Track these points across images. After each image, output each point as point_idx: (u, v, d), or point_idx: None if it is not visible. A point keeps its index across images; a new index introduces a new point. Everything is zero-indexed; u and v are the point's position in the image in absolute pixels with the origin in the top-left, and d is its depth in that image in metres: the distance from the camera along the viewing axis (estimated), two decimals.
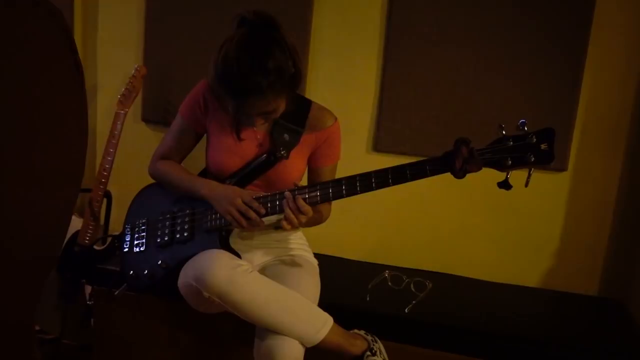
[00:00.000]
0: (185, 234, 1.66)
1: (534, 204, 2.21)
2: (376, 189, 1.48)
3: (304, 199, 1.52)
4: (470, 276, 2.24)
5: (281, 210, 1.56)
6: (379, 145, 2.29)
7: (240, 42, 1.44)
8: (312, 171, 1.73)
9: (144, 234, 1.73)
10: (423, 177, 1.45)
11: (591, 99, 2.14)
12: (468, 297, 2.07)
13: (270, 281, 1.53)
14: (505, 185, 1.40)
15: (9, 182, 0.59)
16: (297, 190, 1.54)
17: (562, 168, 2.16)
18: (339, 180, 1.53)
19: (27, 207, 0.65)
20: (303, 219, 1.52)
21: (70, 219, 0.79)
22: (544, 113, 2.13)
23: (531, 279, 2.27)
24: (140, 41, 2.48)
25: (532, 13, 2.11)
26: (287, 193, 1.53)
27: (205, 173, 1.81)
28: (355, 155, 2.30)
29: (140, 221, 1.75)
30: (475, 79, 2.17)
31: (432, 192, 2.27)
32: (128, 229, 1.77)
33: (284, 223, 1.53)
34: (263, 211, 1.56)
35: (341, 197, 1.52)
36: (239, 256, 1.61)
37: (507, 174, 1.42)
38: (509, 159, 1.39)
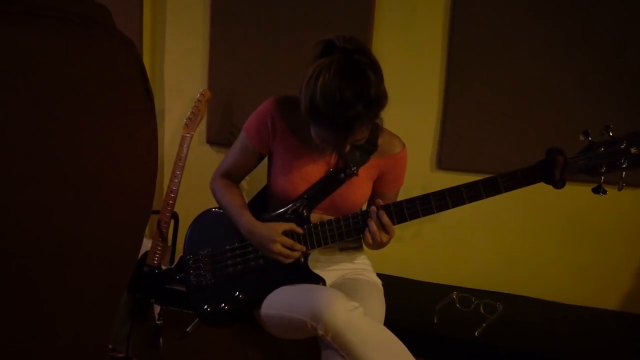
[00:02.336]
0: (261, 261, 1.65)
1: (613, 221, 2.10)
2: (469, 202, 1.50)
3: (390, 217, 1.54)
4: (545, 298, 2.14)
5: (349, 235, 1.58)
6: (443, 162, 2.25)
7: (339, 70, 1.39)
8: (376, 195, 1.71)
9: (211, 265, 1.70)
10: (516, 188, 1.48)
11: None
12: (542, 320, 1.97)
13: (382, 327, 1.50)
14: (600, 190, 1.44)
15: (85, 211, 0.61)
16: (380, 206, 1.56)
17: None
18: (426, 196, 1.53)
19: (103, 233, 0.67)
20: (385, 238, 1.54)
21: (141, 241, 0.81)
22: (619, 123, 2.02)
23: (610, 301, 2.14)
24: (205, 66, 2.54)
25: (602, 19, 2.02)
26: (372, 208, 1.55)
27: (261, 195, 1.82)
28: (418, 173, 2.26)
29: (203, 252, 1.72)
30: (542, 93, 2.11)
31: (503, 209, 2.20)
32: (191, 261, 1.73)
33: (368, 236, 1.55)
34: (304, 249, 1.59)
35: (430, 212, 1.53)
36: (324, 282, 1.62)
37: (601, 180, 1.45)
38: (603, 165, 1.43)
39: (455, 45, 2.18)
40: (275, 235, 1.57)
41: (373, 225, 1.53)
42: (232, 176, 1.75)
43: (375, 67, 1.43)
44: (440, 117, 2.25)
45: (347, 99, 1.37)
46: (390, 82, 2.34)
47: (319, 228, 1.60)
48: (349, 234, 1.58)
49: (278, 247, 1.57)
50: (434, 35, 2.23)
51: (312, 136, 1.52)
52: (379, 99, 1.42)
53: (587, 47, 2.05)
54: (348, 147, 1.54)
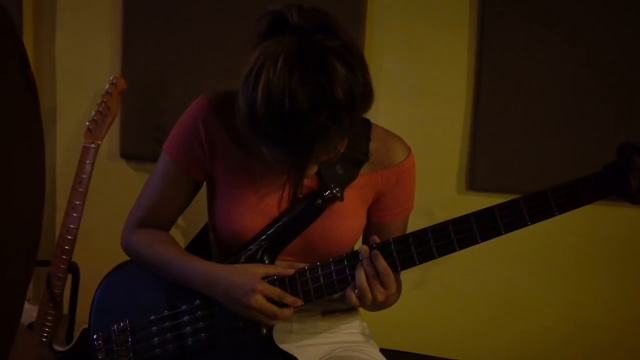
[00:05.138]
0: (203, 337, 1.62)
1: None
2: (506, 231, 1.48)
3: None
4: None
5: (331, 292, 1.56)
6: (476, 181, 2.29)
7: (289, 64, 1.35)
8: (374, 227, 1.71)
9: (129, 346, 1.66)
10: (576, 207, 1.46)
11: None
12: None
13: None
14: None
15: None
16: (375, 246, 1.52)
17: None
18: (442, 226, 1.50)
19: None
20: (380, 295, 1.50)
21: (22, 307, 0.80)
22: None
23: None
24: (117, 45, 2.55)
25: None
26: (363, 247, 1.52)
27: (201, 239, 1.81)
28: (441, 196, 2.30)
29: (118, 327, 1.68)
30: (596, 90, 2.24)
31: (565, 257, 2.24)
32: (99, 340, 1.68)
33: (352, 295, 1.51)
34: (300, 304, 1.55)
35: (450, 250, 1.51)
36: None
37: None
38: None
39: (488, 27, 2.26)
40: (255, 282, 1.54)
41: (362, 275, 1.50)
42: (155, 222, 1.72)
43: (348, 53, 1.39)
44: (470, 119, 2.30)
45: (302, 106, 1.33)
46: (399, 73, 2.38)
47: (298, 278, 1.57)
48: (330, 288, 1.56)
49: (258, 301, 1.52)
50: (459, 11, 2.30)
51: (264, 152, 1.50)
52: (352, 102, 1.38)
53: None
54: (314, 169, 1.53)
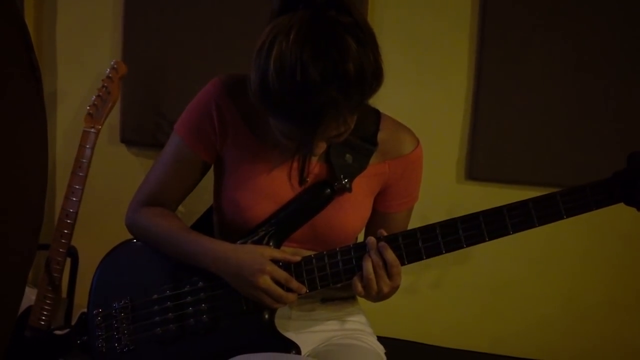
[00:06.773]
0: (205, 319, 1.62)
1: None
2: (514, 231, 1.50)
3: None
4: None
5: (337, 281, 1.56)
6: (475, 171, 2.28)
7: (301, 36, 1.37)
8: (379, 217, 1.72)
9: (129, 324, 1.67)
10: (584, 212, 1.47)
11: None
12: None
13: None
14: None
15: None
16: (383, 238, 1.53)
17: None
18: (451, 223, 1.51)
19: None
20: (386, 286, 1.51)
21: (22, 292, 0.81)
22: None
23: None
24: (118, 30, 2.54)
25: None
26: (370, 238, 1.53)
27: (205, 222, 1.80)
28: (440, 185, 2.30)
29: (119, 304, 1.68)
30: (596, 81, 2.24)
31: (564, 248, 2.25)
32: (99, 317, 1.69)
33: (358, 284, 1.52)
34: (304, 291, 1.56)
35: (457, 247, 1.52)
36: (298, 350, 1.59)
37: None
38: None
39: (489, 16, 2.26)
40: (264, 263, 1.54)
41: (369, 266, 1.51)
42: (161, 201, 1.73)
43: (360, 31, 1.41)
44: (470, 109, 2.30)
45: (313, 78, 1.35)
46: (399, 62, 2.37)
47: (303, 266, 1.58)
48: (336, 278, 1.57)
49: (266, 281, 1.53)
50: (460, 0, 2.30)
51: (272, 129, 1.52)
52: (363, 78, 1.40)
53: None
54: (322, 147, 1.54)
